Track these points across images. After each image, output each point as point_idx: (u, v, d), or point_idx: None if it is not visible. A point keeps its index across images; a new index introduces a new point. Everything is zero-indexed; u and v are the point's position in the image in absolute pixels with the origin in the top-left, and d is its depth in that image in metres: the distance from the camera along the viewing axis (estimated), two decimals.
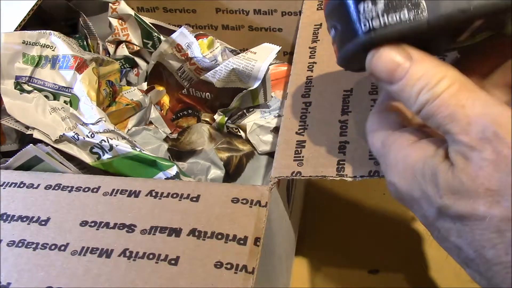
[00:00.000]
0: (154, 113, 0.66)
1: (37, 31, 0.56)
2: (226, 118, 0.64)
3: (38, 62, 0.56)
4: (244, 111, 0.65)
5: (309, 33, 0.52)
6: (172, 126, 0.67)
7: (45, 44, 0.56)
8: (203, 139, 0.62)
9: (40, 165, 0.48)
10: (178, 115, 0.68)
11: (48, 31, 0.56)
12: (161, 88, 0.70)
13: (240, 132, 0.64)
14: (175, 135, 0.64)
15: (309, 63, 0.48)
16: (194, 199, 0.42)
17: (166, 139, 0.63)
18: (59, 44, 0.56)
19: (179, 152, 0.61)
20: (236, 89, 0.62)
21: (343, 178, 0.39)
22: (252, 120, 0.63)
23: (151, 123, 0.66)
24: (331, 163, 0.40)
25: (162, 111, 0.69)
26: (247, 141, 0.63)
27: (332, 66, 0.47)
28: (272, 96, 0.65)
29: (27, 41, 0.55)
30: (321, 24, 0.52)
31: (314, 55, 0.48)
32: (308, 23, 0.54)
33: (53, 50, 0.56)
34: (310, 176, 0.40)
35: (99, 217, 0.41)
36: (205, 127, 0.63)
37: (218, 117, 0.64)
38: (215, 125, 0.65)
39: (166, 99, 0.70)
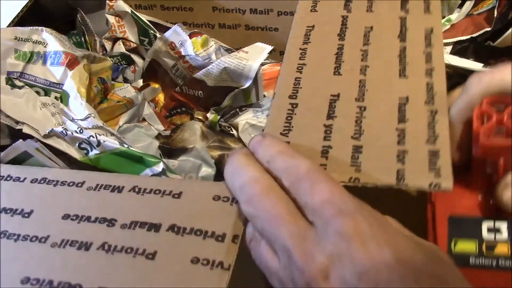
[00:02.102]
0: (147, 110, 0.67)
1: (29, 27, 0.57)
2: (219, 117, 0.65)
3: (30, 58, 0.56)
4: (237, 110, 0.65)
5: (301, 34, 0.52)
6: (166, 123, 0.68)
7: (37, 40, 0.57)
8: (195, 136, 0.62)
9: (30, 160, 0.49)
10: (172, 112, 0.68)
11: (40, 28, 0.57)
12: (156, 86, 0.71)
13: (232, 131, 0.64)
14: (167, 132, 0.64)
15: (298, 64, 0.48)
16: (176, 195, 0.42)
17: (158, 136, 0.63)
18: (51, 40, 0.56)
19: (170, 149, 0.61)
20: (229, 88, 0.63)
21: None
22: (245, 119, 0.64)
23: (144, 120, 0.67)
24: None
25: (157, 108, 0.70)
26: (239, 140, 0.63)
27: (321, 70, 0.47)
28: (264, 96, 0.65)
29: (19, 37, 0.56)
30: (313, 26, 0.52)
31: (304, 57, 0.48)
32: (301, 24, 0.54)
33: (45, 47, 0.57)
34: None
35: (81, 211, 0.42)
36: (197, 125, 0.64)
37: (211, 116, 0.65)
38: (207, 123, 0.65)
39: (161, 97, 0.71)
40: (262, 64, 0.69)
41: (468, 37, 0.74)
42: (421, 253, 0.31)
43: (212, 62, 0.63)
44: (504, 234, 0.40)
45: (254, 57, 0.59)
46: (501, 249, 0.40)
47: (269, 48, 0.60)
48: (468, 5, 0.79)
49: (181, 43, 0.64)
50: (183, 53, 0.65)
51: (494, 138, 0.39)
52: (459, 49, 0.75)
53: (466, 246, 0.41)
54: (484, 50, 0.75)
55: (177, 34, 0.65)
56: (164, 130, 0.66)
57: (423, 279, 0.29)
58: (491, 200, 0.42)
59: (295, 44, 0.50)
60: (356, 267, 0.30)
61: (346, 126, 0.42)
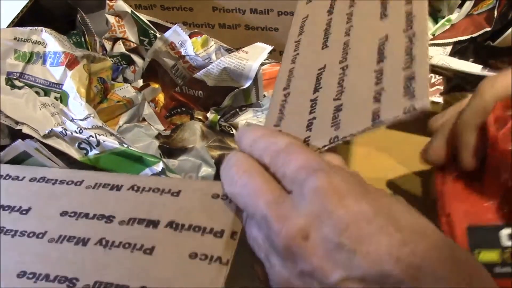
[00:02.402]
0: (147, 110, 0.67)
1: (28, 27, 0.57)
2: (219, 117, 0.65)
3: (29, 58, 0.57)
4: (237, 109, 0.65)
5: (297, 27, 0.52)
6: (166, 123, 0.68)
7: (36, 40, 0.57)
8: (195, 136, 0.63)
9: (29, 160, 0.49)
10: (172, 112, 0.69)
11: (39, 28, 0.57)
12: (156, 86, 0.71)
13: (232, 131, 0.64)
14: (167, 132, 0.64)
15: (293, 56, 0.48)
16: (175, 193, 0.42)
17: (158, 136, 0.63)
18: (50, 40, 0.57)
19: (170, 149, 0.61)
20: (229, 88, 0.63)
21: None
22: (245, 119, 0.64)
23: (144, 120, 0.67)
24: None
25: (156, 108, 0.70)
26: None
27: (311, 50, 0.47)
28: (264, 96, 0.65)
29: (18, 38, 0.56)
30: (307, 16, 0.51)
31: (298, 47, 0.48)
32: (297, 20, 0.54)
33: (45, 47, 0.57)
34: None
35: (79, 208, 0.42)
36: (197, 125, 0.64)
37: (211, 115, 0.65)
38: (207, 123, 0.65)
39: (161, 97, 0.71)
40: (262, 64, 0.69)
41: (468, 37, 0.74)
42: (399, 205, 0.32)
43: (212, 62, 0.63)
44: None
45: (254, 57, 0.60)
46: None
47: (269, 48, 0.60)
48: (468, 5, 0.79)
49: (181, 43, 0.65)
50: (183, 53, 0.65)
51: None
52: (459, 49, 0.75)
53: (489, 255, 0.40)
54: (484, 50, 0.75)
55: (177, 34, 0.65)
56: (164, 130, 0.66)
57: (402, 228, 0.30)
58: (506, 207, 0.41)
59: (291, 38, 0.50)
60: (335, 223, 0.30)
61: (329, 92, 0.41)
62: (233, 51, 0.69)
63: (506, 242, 0.40)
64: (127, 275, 0.37)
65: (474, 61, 0.73)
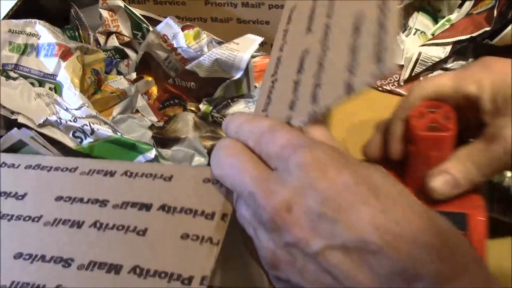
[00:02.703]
0: (141, 102, 0.68)
1: (23, 20, 0.58)
2: (211, 108, 0.66)
3: (24, 50, 0.58)
4: (229, 100, 0.67)
5: (285, 18, 0.52)
6: (159, 115, 0.69)
7: (30, 32, 0.58)
8: (187, 127, 0.64)
9: (25, 148, 0.50)
10: (165, 104, 0.70)
11: (33, 20, 0.58)
12: (149, 79, 0.72)
13: None
14: (161, 123, 0.66)
15: (281, 44, 0.49)
16: (167, 179, 0.43)
17: (151, 127, 0.64)
18: (44, 32, 0.58)
19: (163, 139, 0.63)
20: (220, 79, 0.64)
21: None
22: (237, 109, 0.65)
23: (138, 111, 0.68)
24: None
25: (150, 101, 0.71)
26: None
27: (297, 37, 0.47)
28: (256, 87, 0.66)
29: (13, 30, 0.57)
30: (295, 6, 0.52)
31: (286, 36, 0.49)
32: (286, 10, 0.54)
33: (39, 39, 0.58)
34: None
35: (74, 193, 0.43)
36: (190, 116, 0.65)
37: (203, 107, 0.66)
38: (200, 114, 0.66)
39: (154, 89, 0.72)
40: (254, 57, 0.70)
41: (468, 36, 0.75)
42: (379, 175, 0.33)
43: (204, 54, 0.64)
44: None
45: (245, 48, 0.61)
46: None
47: (259, 39, 0.61)
48: (468, 5, 0.80)
49: (173, 36, 0.66)
50: (175, 46, 0.66)
51: (427, 131, 0.44)
52: (459, 49, 0.76)
53: None
54: (483, 49, 0.76)
55: (169, 26, 0.66)
56: (157, 121, 0.67)
57: (383, 197, 0.31)
58: (422, 197, 0.45)
59: (280, 28, 0.51)
60: (318, 194, 0.31)
61: (310, 72, 0.42)
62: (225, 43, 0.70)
63: None
64: (120, 255, 0.38)
65: (473, 61, 0.74)
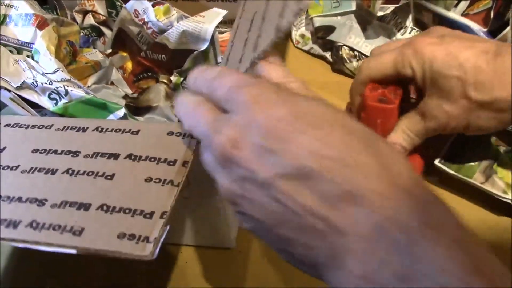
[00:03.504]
0: (115, 76, 0.72)
1: None
2: (182, 79, 0.70)
3: (2, 20, 0.62)
4: None
5: None
6: (133, 87, 0.73)
7: (9, 4, 0.62)
8: (159, 97, 0.68)
9: (4, 109, 0.54)
10: (138, 77, 0.74)
11: None
12: (124, 54, 0.76)
13: None
14: (135, 95, 0.70)
15: (240, 13, 0.53)
16: (135, 132, 0.47)
17: (125, 97, 0.68)
18: (21, 4, 0.62)
19: (136, 108, 0.66)
20: (190, 51, 0.68)
21: None
22: None
23: (112, 83, 0.72)
24: None
25: (125, 75, 0.74)
26: None
27: (251, 4, 0.51)
28: (222, 58, 0.70)
29: None
30: None
31: (244, 5, 0.53)
32: None
33: (17, 10, 0.62)
34: None
35: (49, 146, 0.47)
36: (162, 87, 0.69)
37: (174, 78, 0.70)
38: (172, 85, 0.70)
39: (129, 64, 0.76)
40: (222, 33, 0.75)
41: None
42: (318, 105, 0.35)
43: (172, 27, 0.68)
44: None
45: (210, 20, 0.65)
46: None
47: (224, 12, 0.66)
48: (463, 5, 0.80)
49: (144, 10, 0.70)
50: (146, 20, 0.70)
51: (376, 103, 0.54)
52: None
53: None
54: None
55: (140, 2, 0.70)
56: (131, 93, 0.71)
57: (321, 126, 0.33)
58: None
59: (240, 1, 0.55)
60: (260, 128, 0.34)
61: (256, 28, 0.45)
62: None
63: None
64: (90, 196, 0.42)
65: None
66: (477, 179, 0.58)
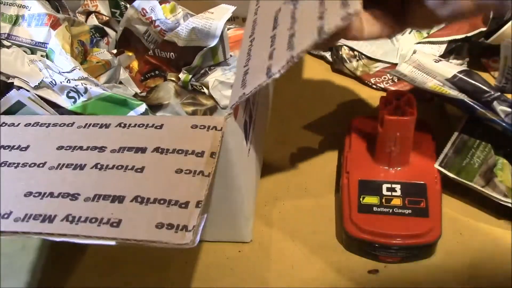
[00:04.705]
0: (123, 75, 0.72)
1: None
2: (190, 76, 0.70)
3: (15, 20, 0.61)
4: (206, 69, 0.71)
5: None
6: (141, 86, 0.73)
7: (21, 4, 0.62)
8: (169, 95, 0.68)
9: (23, 109, 0.54)
10: (146, 76, 0.74)
11: None
12: (130, 54, 0.76)
13: (203, 89, 0.70)
14: (144, 94, 0.70)
15: (255, 9, 0.54)
16: (158, 127, 0.48)
17: (135, 96, 0.68)
18: (34, 4, 0.62)
19: (147, 106, 0.67)
20: (198, 48, 0.68)
21: (272, 77, 0.43)
22: (214, 77, 0.69)
23: (121, 83, 0.72)
24: (262, 73, 0.44)
25: (132, 74, 0.74)
26: (210, 96, 0.68)
27: (270, 2, 0.52)
28: (231, 55, 0.71)
29: (4, 2, 0.61)
30: None
31: (259, 1, 0.54)
32: None
33: (29, 10, 0.62)
34: (250, 91, 0.45)
35: (73, 143, 0.47)
36: (171, 85, 0.69)
37: (182, 76, 0.70)
38: (180, 83, 0.71)
39: (135, 64, 0.76)
40: (228, 29, 0.75)
41: (463, 36, 0.76)
42: None
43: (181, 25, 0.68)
44: (398, 192, 0.58)
45: (219, 16, 0.65)
46: (395, 202, 0.57)
47: (232, 8, 0.66)
48: None
49: (151, 9, 0.70)
50: (153, 18, 0.70)
51: (393, 116, 0.55)
52: (454, 48, 0.78)
53: (371, 199, 0.57)
54: (478, 48, 0.79)
55: (147, 1, 0.70)
56: (140, 92, 0.71)
57: None
58: (390, 169, 0.60)
59: None
60: None
61: (284, 26, 0.47)
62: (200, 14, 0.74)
63: (385, 192, 0.58)
64: (122, 188, 0.42)
65: (469, 61, 0.78)
66: (477, 183, 0.59)
